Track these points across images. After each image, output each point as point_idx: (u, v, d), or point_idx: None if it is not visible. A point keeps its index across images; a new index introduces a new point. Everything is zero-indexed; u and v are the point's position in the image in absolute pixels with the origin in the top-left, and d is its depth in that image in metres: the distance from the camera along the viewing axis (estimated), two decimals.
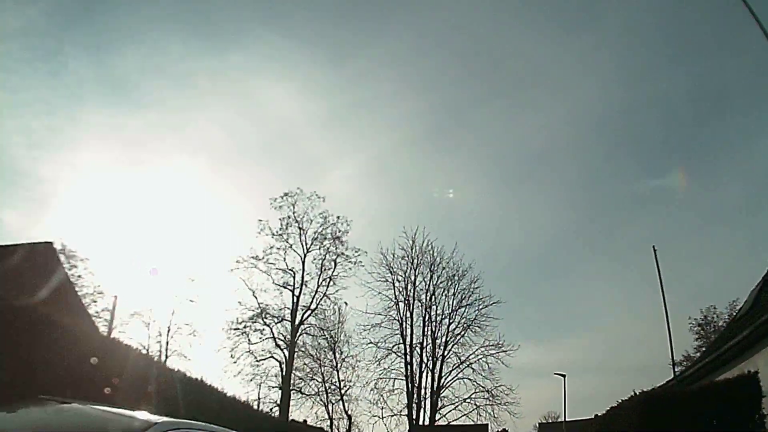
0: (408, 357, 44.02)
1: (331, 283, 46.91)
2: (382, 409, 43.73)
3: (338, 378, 45.61)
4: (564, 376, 36.88)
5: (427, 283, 44.87)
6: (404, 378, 43.79)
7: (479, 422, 44.10)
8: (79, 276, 43.52)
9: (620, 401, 17.73)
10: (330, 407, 45.59)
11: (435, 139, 72.78)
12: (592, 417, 30.09)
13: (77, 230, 51.80)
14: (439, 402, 44.09)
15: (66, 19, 58.97)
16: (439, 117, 72.60)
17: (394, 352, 43.94)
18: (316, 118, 68.46)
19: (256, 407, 41.58)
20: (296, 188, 46.59)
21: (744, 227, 62.01)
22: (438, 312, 45.01)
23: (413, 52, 69.31)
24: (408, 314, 44.47)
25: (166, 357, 46.10)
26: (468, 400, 44.05)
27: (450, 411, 44.16)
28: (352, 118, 73.31)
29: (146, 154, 68.79)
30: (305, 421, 46.79)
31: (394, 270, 44.39)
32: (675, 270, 59.83)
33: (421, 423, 43.83)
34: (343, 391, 45.47)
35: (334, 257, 47.02)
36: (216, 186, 77.08)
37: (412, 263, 44.74)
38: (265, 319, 45.56)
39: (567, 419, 44.48)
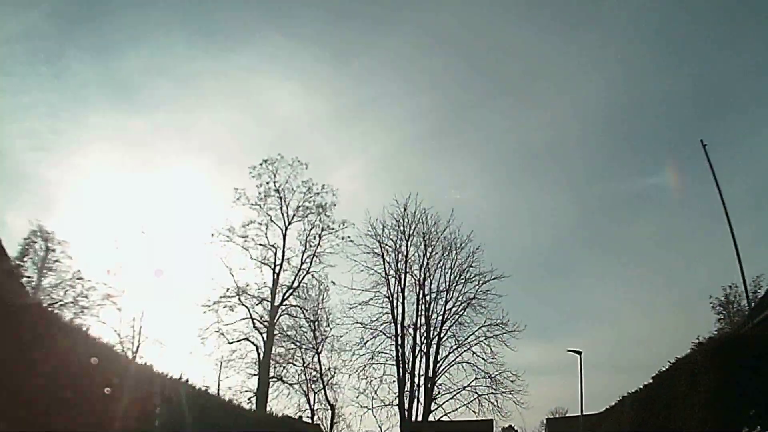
0: (399, 339, 38.88)
1: (316, 259, 42.42)
2: (372, 399, 38.62)
3: (320, 363, 40.77)
4: (580, 353, 31.28)
5: (421, 255, 39.78)
6: (395, 363, 38.63)
7: (482, 416, 38.55)
8: (56, 260, 40.75)
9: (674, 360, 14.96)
10: (312, 396, 40.78)
11: (440, 138, 72.61)
12: (603, 411, 28.47)
13: (80, 230, 50.83)
14: (435, 390, 38.72)
15: (68, 21, 60.13)
16: (444, 115, 73.12)
17: (384, 333, 38.94)
18: (321, 118, 68.41)
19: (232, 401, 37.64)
20: (277, 154, 42.44)
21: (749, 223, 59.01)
22: (433, 288, 39.84)
23: (417, 50, 69.47)
24: (399, 291, 39.44)
25: (139, 344, 42.52)
26: (468, 388, 38.55)
27: (447, 400, 38.73)
28: (356, 117, 73.47)
29: (151, 156, 67.90)
30: (300, 417, 42.19)
31: (384, 242, 39.53)
32: (680, 265, 61.68)
33: (414, 414, 38.49)
34: (326, 378, 40.63)
35: (319, 231, 42.54)
36: (219, 186, 75.64)
37: (403, 234, 39.76)
38: (242, 299, 41.28)
39: (574, 415, 38.85)
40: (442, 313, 39.37)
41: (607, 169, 71.44)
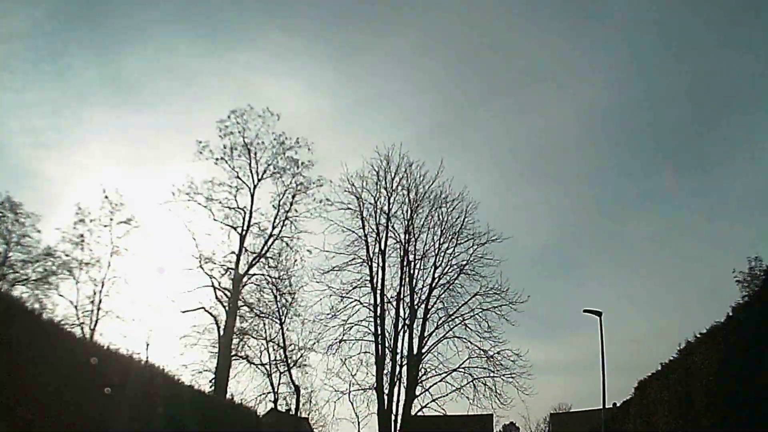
0: (379, 310, 32.91)
1: (288, 224, 36.86)
2: (350, 384, 32.65)
3: (283, 337, 34.98)
4: (600, 314, 25.01)
5: (406, 213, 33.90)
6: (373, 339, 32.66)
7: (478, 404, 32.23)
8: (24, 235, 37.73)
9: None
10: (277, 377, 34.99)
11: (441, 137, 70.85)
12: (612, 405, 27.01)
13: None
14: (421, 371, 32.57)
15: (71, 20, 61.04)
16: (446, 114, 73.37)
17: (360, 302, 33.02)
18: (323, 116, 67.91)
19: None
20: (246, 105, 37.18)
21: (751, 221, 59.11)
22: (419, 251, 33.92)
23: (419, 49, 70.06)
24: (379, 253, 33.54)
25: (97, 319, 37.57)
26: (461, 370, 32.34)
27: (435, 383, 32.53)
28: (358, 115, 73.73)
29: (153, 153, 66.25)
30: (288, 410, 36.50)
31: (363, 197, 33.75)
32: (679, 265, 62.03)
33: (395, 399, 32.37)
34: (291, 355, 34.82)
35: (293, 191, 37.02)
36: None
37: (385, 189, 33.94)
38: (204, 267, 35.90)
39: (579, 410, 32.64)
40: (429, 280, 33.43)
41: (609, 168, 71.59)
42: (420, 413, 32.36)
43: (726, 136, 65.37)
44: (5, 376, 9.91)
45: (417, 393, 32.40)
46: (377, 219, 33.44)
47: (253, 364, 35.00)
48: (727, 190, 64.60)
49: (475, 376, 32.20)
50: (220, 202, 36.18)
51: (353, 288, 32.90)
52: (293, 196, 36.88)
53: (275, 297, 35.39)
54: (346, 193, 33.57)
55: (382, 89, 72.25)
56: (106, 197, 36.92)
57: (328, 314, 32.29)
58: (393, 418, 31.96)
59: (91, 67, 63.40)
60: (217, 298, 35.74)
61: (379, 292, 32.86)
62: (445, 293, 33.13)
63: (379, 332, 32.47)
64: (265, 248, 36.81)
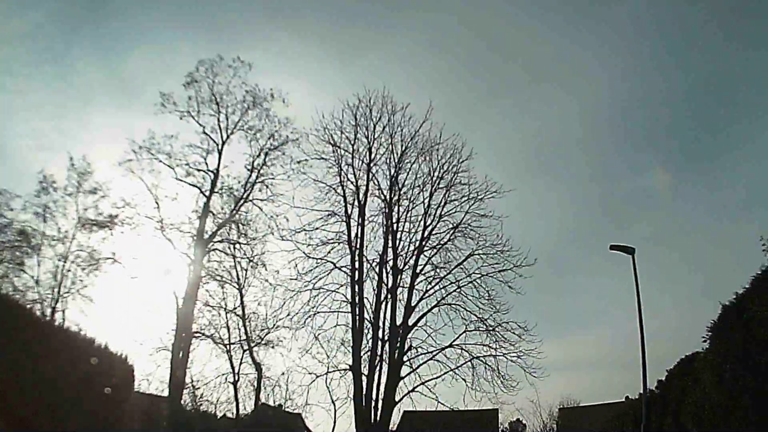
0: (357, 275, 27.64)
1: (261, 185, 32.23)
2: (327, 365, 27.30)
3: (243, 309, 29.93)
4: (632, 251, 19.47)
5: (389, 162, 28.79)
6: (350, 309, 27.30)
7: (478, 389, 26.59)
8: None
9: None
10: (240, 356, 29.82)
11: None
12: (623, 399, 26.70)
13: None
14: (407, 347, 27.02)
15: (73, 21, 59.70)
16: (449, 112, 72.33)
17: (337, 266, 27.80)
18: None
19: None
20: (215, 55, 32.97)
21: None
22: (405, 207, 28.68)
23: (423, 47, 68.88)
24: (358, 208, 28.42)
25: (58, 297, 33.30)
26: (456, 346, 26.71)
27: (424, 363, 26.92)
28: None
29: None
30: (280, 405, 31.49)
31: (341, 146, 28.79)
32: (681, 264, 61.18)
33: (376, 382, 26.80)
34: (254, 330, 29.70)
35: (266, 150, 32.41)
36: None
37: (367, 137, 28.93)
38: (165, 233, 31.39)
39: (588, 404, 27.69)
40: (417, 240, 28.08)
41: (613, 167, 69.49)
42: (407, 398, 26.70)
43: (730, 134, 63.51)
44: None
45: (402, 374, 26.80)
46: (356, 169, 28.45)
47: (212, 339, 29.92)
48: (732, 188, 62.37)
49: (474, 354, 26.56)
50: (187, 164, 31.89)
51: (329, 250, 27.78)
52: (266, 155, 32.35)
53: (235, 261, 30.50)
54: (321, 143, 28.69)
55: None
56: (73, 165, 33.05)
57: (295, 278, 27.08)
58: (373, 404, 26.37)
59: (93, 68, 62.54)
60: (178, 267, 31.20)
61: (357, 253, 27.63)
62: (436, 255, 27.80)
63: (357, 301, 27.13)
64: (234, 212, 32.22)
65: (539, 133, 68.00)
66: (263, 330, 29.64)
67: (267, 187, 31.88)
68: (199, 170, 32.00)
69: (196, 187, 31.91)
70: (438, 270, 27.39)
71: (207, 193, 31.89)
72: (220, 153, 32.28)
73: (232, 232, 31.96)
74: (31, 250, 33.86)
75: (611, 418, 28.02)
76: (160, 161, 31.35)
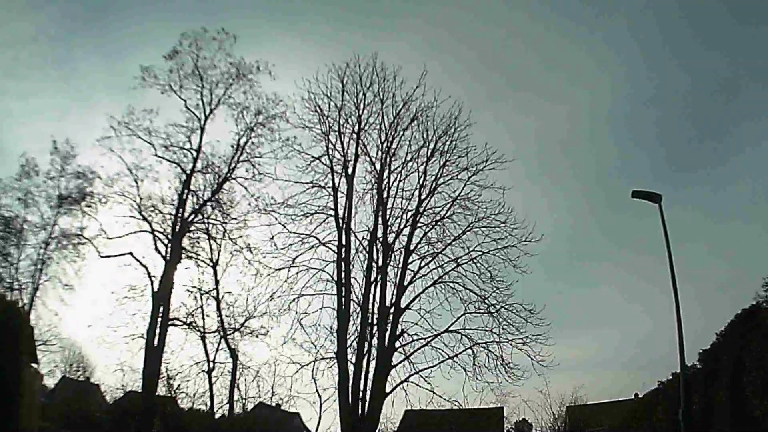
0: (344, 252, 24.92)
1: (244, 160, 29.97)
2: (315, 355, 24.51)
3: (218, 293, 27.42)
4: (657, 198, 16.66)
5: (380, 129, 26.18)
6: (335, 290, 24.56)
7: (481, 378, 23.53)
8: None
9: None
10: (214, 344, 27.26)
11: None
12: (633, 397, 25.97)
13: None
14: (399, 329, 24.16)
15: (76, 24, 62.31)
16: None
17: (322, 243, 25.13)
18: None
19: None
20: (200, 27, 30.95)
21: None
22: (398, 176, 26.01)
23: (430, 45, 68.34)
24: (345, 180, 25.80)
25: (37, 285, 31.38)
26: (453, 332, 23.78)
27: (418, 350, 23.96)
28: None
29: None
30: (278, 404, 29.05)
31: (325, 110, 26.20)
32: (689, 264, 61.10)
33: (363, 371, 23.90)
34: (230, 315, 27.16)
35: (252, 126, 30.16)
36: None
37: (357, 105, 26.31)
38: (144, 213, 29.22)
39: (597, 402, 25.06)
40: (411, 215, 25.34)
41: (620, 166, 70.38)
42: (400, 390, 23.67)
43: (735, 135, 65.88)
44: None
45: (394, 361, 23.88)
46: (344, 137, 25.90)
47: (187, 325, 27.42)
48: (735, 189, 64.33)
49: (475, 340, 23.58)
50: (167, 140, 29.79)
51: (314, 227, 25.16)
52: (251, 131, 30.07)
53: (210, 241, 28.15)
54: (307, 111, 26.22)
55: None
56: (56, 148, 31.15)
57: (276, 255, 24.49)
58: (360, 396, 23.46)
59: (96, 71, 64.36)
60: (156, 248, 28.87)
61: (344, 228, 24.96)
62: (432, 230, 25.02)
63: (344, 281, 24.39)
64: (217, 191, 29.92)
65: (551, 128, 69.64)
66: (242, 315, 27.07)
67: (253, 166, 29.62)
68: (181, 148, 29.98)
69: (177, 164, 29.85)
70: (434, 246, 24.61)
71: (188, 171, 29.74)
72: (202, 129, 30.24)
73: (214, 212, 29.68)
74: (15, 238, 32.23)
75: (626, 415, 25.03)
76: (140, 137, 29.39)
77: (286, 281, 24.65)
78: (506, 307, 23.44)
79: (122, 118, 29.05)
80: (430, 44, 68.46)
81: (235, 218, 29.13)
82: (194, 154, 29.81)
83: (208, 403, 26.95)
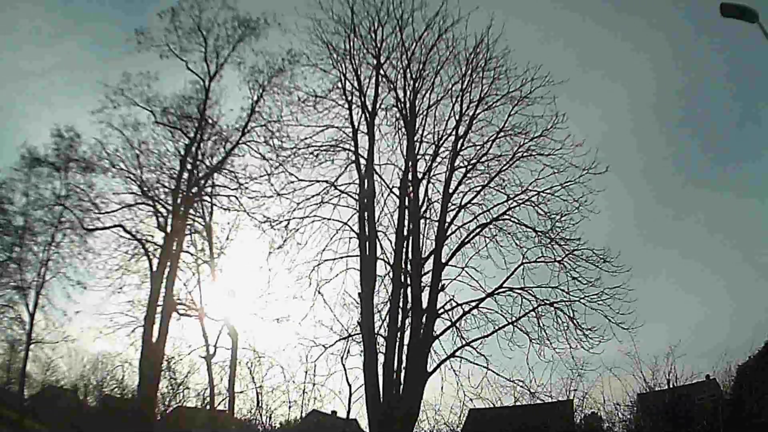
0: (367, 199, 20.02)
1: (254, 123, 26.00)
2: (344, 331, 19.68)
3: (210, 244, 23.02)
4: (755, 18, 11.70)
5: (402, 51, 21.26)
6: (358, 249, 19.61)
7: (558, 370, 18.40)
8: None
9: None
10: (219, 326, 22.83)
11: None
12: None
13: None
14: (441, 285, 18.90)
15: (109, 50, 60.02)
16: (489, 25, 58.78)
17: (338, 188, 20.31)
18: None
19: None
20: None
21: None
22: (427, 108, 21.11)
23: None
24: (364, 118, 21.07)
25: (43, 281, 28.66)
26: (507, 290, 18.38)
27: (465, 314, 18.57)
28: None
29: None
30: (333, 412, 28.99)
31: (334, 43, 21.31)
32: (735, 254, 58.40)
33: (396, 350, 18.59)
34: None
35: (263, 84, 26.24)
36: None
37: (369, 18, 21.38)
38: (144, 185, 25.63)
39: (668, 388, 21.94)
40: (449, 149, 20.39)
41: (665, 158, 68.31)
42: (447, 367, 18.28)
43: None
44: None
45: (436, 330, 18.58)
46: (359, 69, 21.32)
47: (186, 305, 23.16)
48: None
49: (539, 299, 18.08)
50: (168, 105, 26.37)
51: (335, 172, 20.56)
52: (263, 90, 26.18)
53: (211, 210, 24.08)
54: (314, 46, 21.71)
55: None
56: (60, 136, 28.26)
57: (288, 208, 20.00)
58: (394, 376, 18.17)
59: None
60: (159, 225, 25.00)
61: (365, 170, 20.21)
62: (474, 168, 19.97)
63: (368, 233, 19.51)
64: (225, 158, 26.02)
65: (593, 125, 66.71)
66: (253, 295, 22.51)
67: (270, 131, 25.44)
68: (183, 115, 26.43)
69: (180, 130, 26.20)
70: (477, 187, 19.51)
71: (192, 138, 26.04)
72: (207, 91, 26.60)
73: (220, 180, 25.72)
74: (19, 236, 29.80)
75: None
76: (138, 104, 26.02)
77: (299, 244, 19.99)
78: (574, 253, 18.00)
79: (117, 86, 25.83)
80: None
81: (246, 186, 24.86)
82: (198, 118, 26.20)
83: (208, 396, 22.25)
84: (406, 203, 19.73)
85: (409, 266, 19.13)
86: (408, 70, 20.88)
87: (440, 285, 18.68)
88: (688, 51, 70.10)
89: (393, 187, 20.33)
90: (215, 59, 26.79)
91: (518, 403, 21.46)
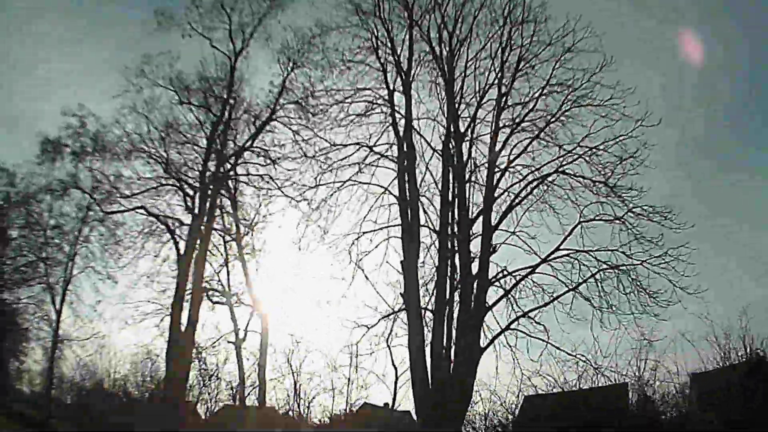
0: (407, 161, 18.48)
1: (288, 106, 24.76)
2: (390, 308, 18.21)
3: (237, 224, 21.83)
4: None
5: (440, 3, 19.61)
6: (399, 219, 18.06)
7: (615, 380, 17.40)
8: None
9: None
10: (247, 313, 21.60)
11: None
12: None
13: None
14: (493, 248, 17.16)
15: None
16: None
17: (374, 150, 18.88)
18: None
19: None
20: None
21: None
22: (467, 63, 19.46)
23: None
24: (399, 78, 19.57)
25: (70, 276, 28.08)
26: (566, 254, 16.62)
27: (519, 282, 16.84)
28: None
29: None
30: (387, 404, 28.89)
31: (366, 8, 20.00)
32: None
33: (445, 325, 16.93)
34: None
35: (293, 54, 24.95)
36: None
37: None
38: (173, 171, 24.62)
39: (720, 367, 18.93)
40: (493, 106, 18.77)
41: (706, 141, 67.55)
42: (502, 343, 16.56)
43: None
44: None
45: (488, 302, 16.86)
46: (391, 25, 19.85)
47: (215, 290, 21.88)
48: None
49: (603, 263, 16.27)
50: (193, 85, 25.35)
51: (378, 135, 19.12)
52: (294, 64, 24.92)
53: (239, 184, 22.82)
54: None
55: None
56: (83, 125, 27.40)
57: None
58: (444, 353, 16.51)
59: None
60: (187, 207, 23.90)
61: (404, 131, 18.72)
62: (520, 126, 18.28)
63: (409, 196, 17.99)
64: (255, 135, 24.86)
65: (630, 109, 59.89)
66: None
67: (303, 107, 24.08)
68: (210, 95, 25.37)
69: (208, 109, 25.12)
70: (524, 134, 17.86)
71: (219, 116, 24.96)
72: (233, 69, 25.48)
73: (252, 158, 24.51)
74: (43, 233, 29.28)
75: None
76: (161, 85, 25.04)
77: (335, 215, 18.61)
78: (632, 211, 16.18)
79: (137, 69, 24.86)
80: None
81: (277, 163, 23.55)
82: (224, 98, 25.12)
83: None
84: (451, 163, 18.14)
85: (456, 231, 17.51)
86: (443, 26, 19.37)
87: (491, 248, 16.96)
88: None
89: (435, 147, 18.82)
90: (241, 36, 25.77)
91: (573, 389, 19.69)
